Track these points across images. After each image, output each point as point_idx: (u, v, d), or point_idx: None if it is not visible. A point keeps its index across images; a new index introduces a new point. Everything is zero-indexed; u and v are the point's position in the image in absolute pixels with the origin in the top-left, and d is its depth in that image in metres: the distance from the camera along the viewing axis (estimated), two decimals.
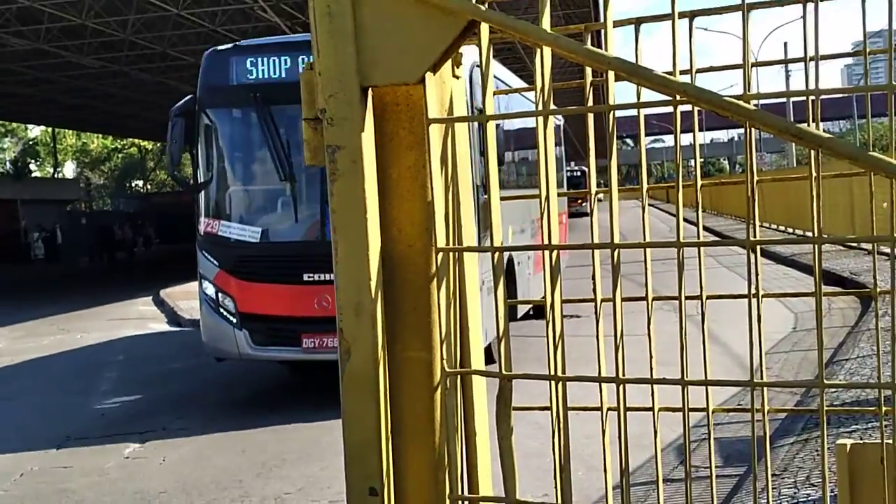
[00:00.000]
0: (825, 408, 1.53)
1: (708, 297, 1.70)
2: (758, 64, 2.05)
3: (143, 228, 54.39)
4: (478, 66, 1.59)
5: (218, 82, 10.72)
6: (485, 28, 1.50)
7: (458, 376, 1.64)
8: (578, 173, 55.55)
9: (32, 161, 74.62)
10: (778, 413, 7.34)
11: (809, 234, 1.54)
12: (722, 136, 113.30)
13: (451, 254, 1.64)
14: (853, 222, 21.25)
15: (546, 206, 1.58)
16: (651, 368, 1.67)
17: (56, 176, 72.01)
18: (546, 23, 1.49)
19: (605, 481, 1.70)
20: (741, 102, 1.35)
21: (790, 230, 28.57)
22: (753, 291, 1.58)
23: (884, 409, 1.75)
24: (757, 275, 1.58)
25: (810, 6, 1.52)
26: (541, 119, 1.60)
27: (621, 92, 1.72)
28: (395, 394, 1.58)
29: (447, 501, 1.59)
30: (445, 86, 1.66)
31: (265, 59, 10.48)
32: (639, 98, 1.60)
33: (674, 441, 7.04)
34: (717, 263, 20.12)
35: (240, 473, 8.02)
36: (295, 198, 10.69)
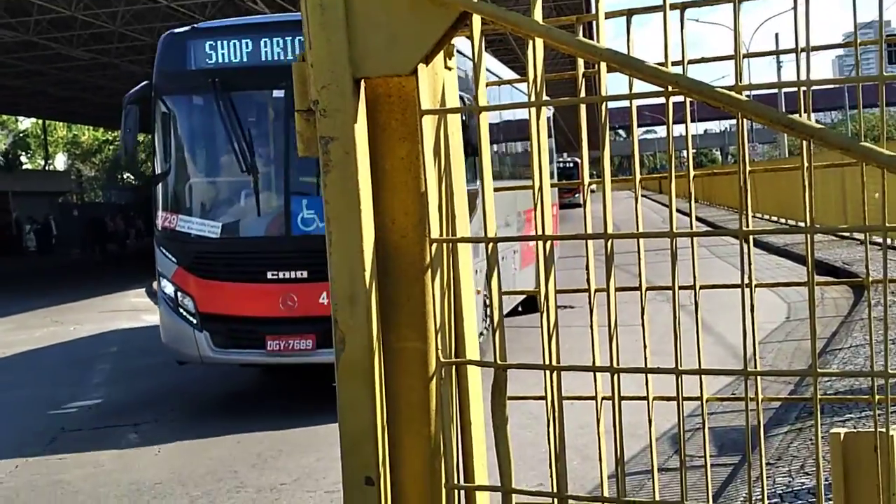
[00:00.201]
0: (819, 396, 1.54)
1: (701, 287, 1.71)
2: (750, 55, 2.06)
3: (134, 220, 54.21)
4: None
5: (175, 67, 10.08)
6: (477, 19, 1.50)
7: (453, 366, 1.64)
8: (571, 164, 55.57)
9: (23, 153, 74.38)
10: (772, 402, 7.36)
11: (801, 224, 1.55)
12: (715, 126, 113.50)
13: (444, 244, 1.64)
14: (845, 213, 21.31)
15: (539, 196, 1.58)
16: (645, 358, 1.67)
17: (47, 168, 71.80)
18: (538, 14, 1.49)
19: (600, 470, 1.70)
20: (733, 93, 1.35)
21: (782, 220, 28.63)
22: (746, 281, 1.59)
23: (877, 397, 1.76)
24: (750, 264, 1.59)
25: None
26: (534, 110, 1.60)
27: (613, 83, 1.73)
28: (391, 384, 1.58)
29: (443, 490, 1.60)
30: (438, 77, 1.66)
31: (225, 43, 9.78)
32: (631, 89, 1.61)
33: (667, 431, 7.06)
34: (710, 254, 20.17)
35: (235, 464, 8.03)
36: (258, 190, 10.06)
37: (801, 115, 1.55)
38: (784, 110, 1.38)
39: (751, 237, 1.55)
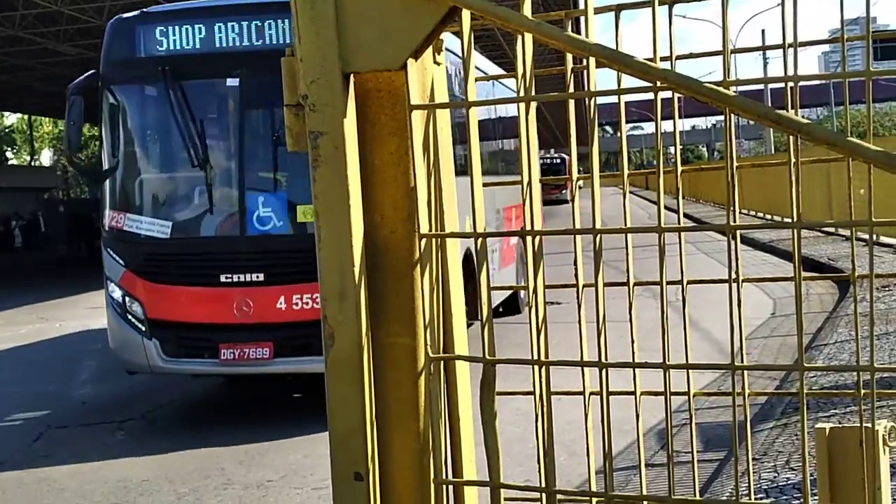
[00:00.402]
0: (805, 392, 1.55)
1: (689, 283, 1.71)
2: (737, 51, 2.07)
3: None
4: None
5: (123, 55, 9.29)
6: (466, 14, 1.51)
7: (442, 362, 1.65)
8: (558, 160, 55.61)
9: (9, 149, 74.05)
10: (758, 397, 7.40)
11: (788, 219, 1.56)
12: (701, 122, 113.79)
13: (433, 240, 1.64)
14: (830, 209, 21.41)
15: (528, 192, 1.59)
16: (633, 353, 1.68)
17: (33, 164, 71.46)
18: (527, 9, 1.50)
19: (588, 466, 1.71)
20: (721, 89, 1.36)
21: (768, 216, 28.73)
22: (734, 276, 1.60)
23: (862, 392, 1.77)
24: (737, 259, 1.60)
25: None
26: (523, 105, 1.60)
27: (600, 79, 1.73)
28: (380, 380, 1.59)
29: (432, 485, 1.60)
30: (427, 72, 1.66)
31: (177, 28, 9.03)
32: (619, 85, 1.61)
33: (653, 427, 7.08)
34: (696, 250, 20.23)
35: (222, 461, 8.02)
36: (210, 187, 9.27)
37: (788, 111, 1.55)
38: (770, 106, 1.38)
39: (738, 232, 1.56)
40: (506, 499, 1.61)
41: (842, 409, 6.99)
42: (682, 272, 1.68)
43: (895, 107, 77.79)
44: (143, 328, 9.20)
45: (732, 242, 1.61)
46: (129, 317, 9.30)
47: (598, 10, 1.63)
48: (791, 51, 1.67)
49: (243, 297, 8.83)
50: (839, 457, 1.94)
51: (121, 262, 9.43)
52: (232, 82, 9.05)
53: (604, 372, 1.54)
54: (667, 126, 1.71)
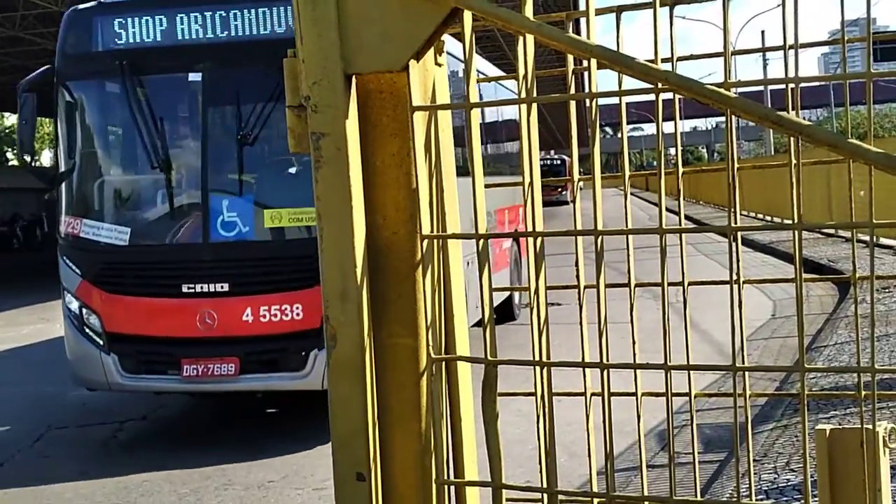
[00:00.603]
0: (806, 393, 1.55)
1: (690, 284, 1.72)
2: (738, 52, 2.07)
3: None
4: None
5: (79, 49, 8.69)
6: (468, 15, 1.51)
7: (444, 362, 1.65)
8: (558, 161, 55.61)
9: (9, 149, 74.03)
10: (758, 399, 7.40)
11: (788, 221, 1.56)
12: (702, 124, 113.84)
13: (435, 241, 1.65)
14: (830, 211, 21.41)
15: (530, 193, 1.59)
16: (634, 354, 1.68)
17: (34, 164, 71.44)
18: (529, 10, 1.50)
19: (589, 466, 1.71)
20: (722, 90, 1.36)
21: (768, 218, 28.73)
22: (735, 277, 1.60)
23: (863, 393, 1.77)
24: (738, 261, 1.60)
25: None
26: (524, 106, 1.61)
27: (600, 80, 1.73)
28: (382, 380, 1.59)
29: (433, 486, 1.60)
30: (428, 73, 1.66)
31: (136, 19, 8.35)
32: (620, 86, 1.61)
33: (654, 428, 7.08)
34: (696, 251, 20.23)
35: (223, 461, 8.01)
36: (172, 191, 8.74)
37: (788, 112, 1.56)
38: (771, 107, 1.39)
39: (739, 234, 1.56)
40: (507, 499, 1.61)
41: (842, 410, 6.99)
42: (683, 273, 1.69)
43: (895, 108, 77.79)
44: (101, 342, 8.58)
45: (733, 244, 1.62)
46: (87, 330, 8.68)
47: (599, 11, 1.64)
48: (791, 52, 1.67)
49: (207, 308, 8.23)
50: (840, 458, 1.95)
51: (77, 271, 8.80)
52: (195, 77, 8.45)
53: (605, 373, 1.55)
54: (667, 127, 1.71)
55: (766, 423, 7.31)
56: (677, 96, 1.60)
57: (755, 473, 5.84)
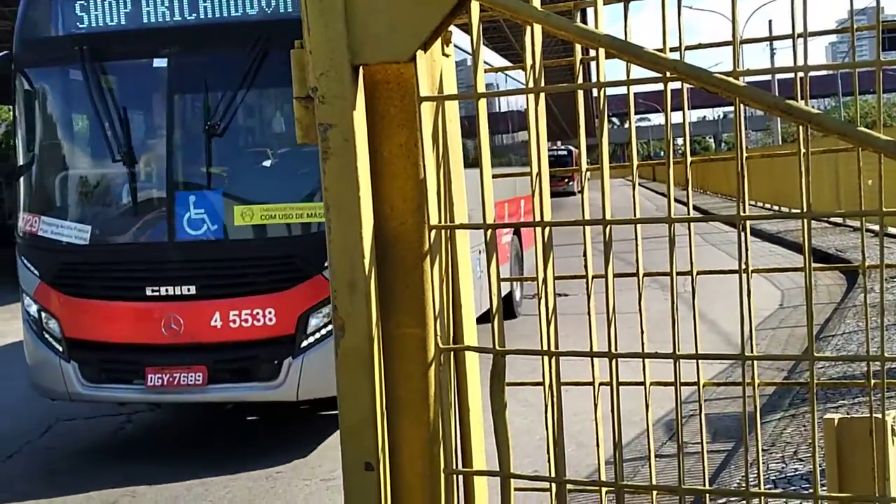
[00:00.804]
0: (815, 381, 1.55)
1: (698, 273, 1.72)
2: (746, 41, 2.07)
3: None
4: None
5: (38, 33, 8.12)
6: (475, 5, 1.51)
7: (452, 352, 1.65)
8: (564, 152, 55.53)
9: None
10: (766, 388, 7.40)
11: (796, 210, 1.55)
12: (709, 114, 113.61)
13: (443, 231, 1.65)
14: (838, 200, 21.37)
15: (538, 183, 1.59)
16: (642, 343, 1.68)
17: None
18: (536, 0, 1.50)
19: (597, 455, 1.72)
20: (731, 79, 1.36)
21: (776, 207, 28.67)
22: (743, 266, 1.60)
23: (873, 381, 1.77)
24: (747, 250, 1.60)
25: None
26: (531, 96, 1.61)
27: (606, 72, 1.73)
28: (390, 370, 1.59)
29: (442, 475, 1.61)
30: (436, 64, 1.66)
31: (99, 2, 7.74)
32: (628, 75, 1.61)
33: (661, 417, 7.09)
34: (704, 241, 20.21)
35: (231, 451, 8.04)
36: (135, 186, 8.09)
37: (798, 101, 1.55)
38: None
39: (748, 223, 1.56)
40: (515, 489, 1.61)
41: (850, 399, 6.99)
42: (691, 263, 1.69)
43: None
44: (61, 349, 8.00)
45: (742, 233, 1.62)
46: (46, 335, 8.11)
47: (607, 1, 1.63)
48: (800, 41, 1.67)
49: (172, 313, 7.62)
50: (848, 447, 1.95)
51: (35, 272, 8.20)
52: (161, 63, 7.86)
53: (614, 362, 1.55)
54: (674, 117, 1.71)
55: (775, 412, 7.31)
56: (686, 86, 1.60)
57: (763, 463, 5.83)
